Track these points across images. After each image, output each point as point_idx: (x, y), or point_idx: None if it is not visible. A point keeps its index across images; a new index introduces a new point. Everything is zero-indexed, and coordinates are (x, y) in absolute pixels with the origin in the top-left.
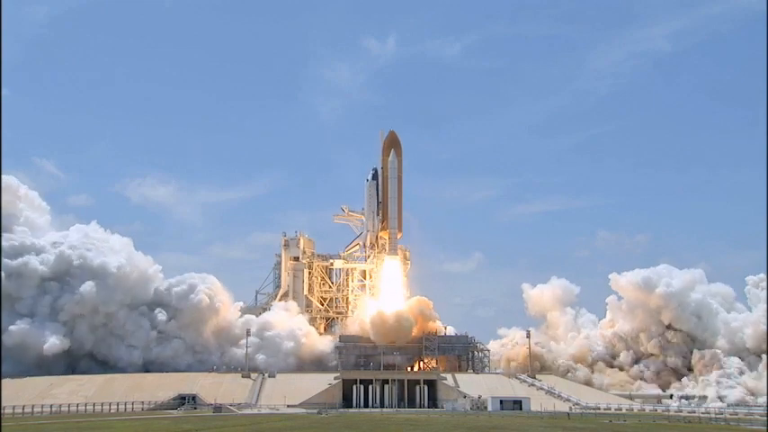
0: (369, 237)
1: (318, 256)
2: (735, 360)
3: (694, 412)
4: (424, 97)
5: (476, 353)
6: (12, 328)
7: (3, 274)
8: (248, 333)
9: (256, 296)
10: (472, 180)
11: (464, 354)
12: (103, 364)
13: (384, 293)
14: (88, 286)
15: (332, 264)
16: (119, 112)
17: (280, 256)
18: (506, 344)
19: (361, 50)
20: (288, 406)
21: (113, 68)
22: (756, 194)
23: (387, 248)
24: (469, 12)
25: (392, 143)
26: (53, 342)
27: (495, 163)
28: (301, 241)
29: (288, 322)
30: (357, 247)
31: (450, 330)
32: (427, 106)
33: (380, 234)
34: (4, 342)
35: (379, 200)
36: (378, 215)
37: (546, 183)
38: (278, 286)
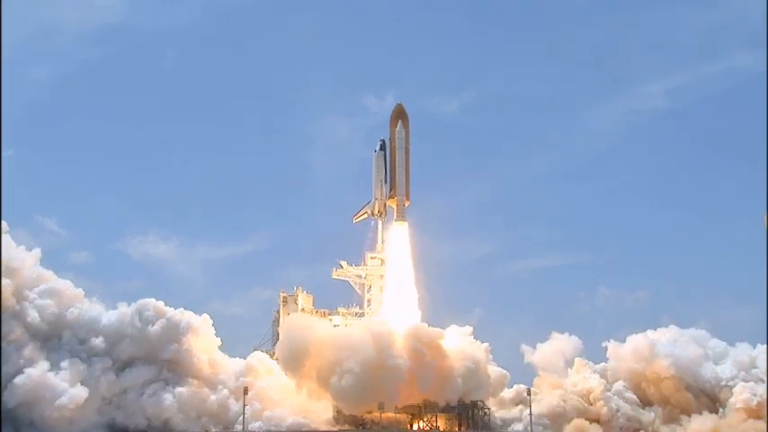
0: (377, 204)
1: (317, 311)
2: None
3: None
4: (422, 153)
5: (476, 411)
6: None
7: None
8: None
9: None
10: (470, 236)
11: (464, 412)
12: None
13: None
14: None
15: (331, 319)
16: (121, 169)
17: (278, 312)
18: (508, 402)
19: (359, 108)
20: None
21: (115, 128)
22: (756, 249)
23: (395, 215)
24: (467, 70)
25: (399, 115)
26: None
27: (493, 219)
28: (300, 297)
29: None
30: (366, 215)
31: None
32: (425, 162)
33: (388, 202)
34: None
35: (387, 169)
36: (386, 183)
37: (545, 239)
38: (276, 342)
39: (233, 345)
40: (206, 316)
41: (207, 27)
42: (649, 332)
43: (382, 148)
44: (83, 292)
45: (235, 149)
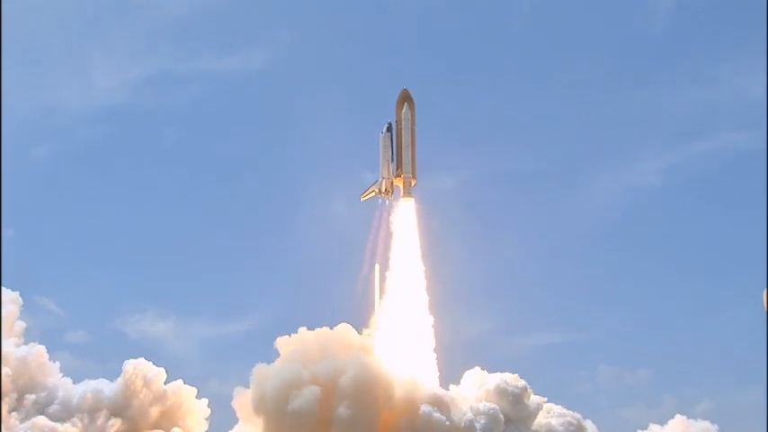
0: (384, 183)
1: None
2: None
3: None
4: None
5: None
6: None
7: None
8: None
9: None
10: (469, 313)
11: None
12: None
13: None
14: None
15: None
16: (120, 248)
17: None
18: None
19: (357, 183)
20: None
21: (113, 208)
22: (756, 329)
23: (401, 192)
24: (464, 149)
25: (405, 99)
26: None
27: (491, 296)
28: None
29: None
30: (373, 193)
31: None
32: (423, 238)
33: (395, 181)
34: None
35: (393, 149)
36: (393, 161)
37: (542, 315)
38: None
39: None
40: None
41: (207, 107)
42: (655, 427)
43: (389, 130)
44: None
45: (234, 225)
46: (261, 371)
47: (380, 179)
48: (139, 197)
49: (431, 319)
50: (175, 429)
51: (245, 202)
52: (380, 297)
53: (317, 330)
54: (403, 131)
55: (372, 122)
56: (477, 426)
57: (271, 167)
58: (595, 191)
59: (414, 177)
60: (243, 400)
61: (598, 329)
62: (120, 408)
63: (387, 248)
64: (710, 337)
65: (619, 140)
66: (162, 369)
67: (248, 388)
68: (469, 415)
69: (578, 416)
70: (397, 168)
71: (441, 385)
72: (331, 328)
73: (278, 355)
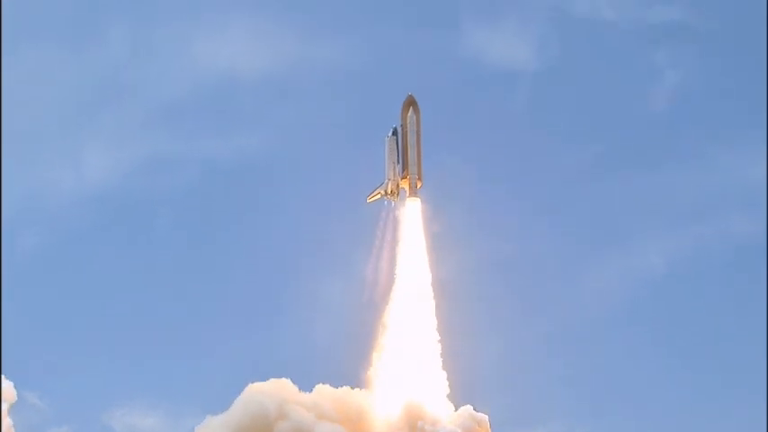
0: (389, 185)
1: None
2: None
3: None
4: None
5: None
6: None
7: None
8: None
9: None
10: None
11: None
12: None
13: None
14: None
15: None
16: (107, 339)
17: None
18: None
19: (352, 265)
20: None
21: (101, 295)
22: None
23: (407, 193)
24: (463, 231)
25: (410, 104)
26: None
27: (492, 387)
28: None
29: None
30: (379, 195)
31: None
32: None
33: (401, 183)
34: None
35: (399, 152)
36: (398, 163)
37: (546, 406)
38: None
39: None
40: None
41: (203, 191)
42: None
43: (394, 133)
44: None
45: (228, 314)
46: None
47: (386, 181)
48: (129, 285)
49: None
50: None
51: (240, 290)
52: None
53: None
54: (408, 133)
55: (369, 216)
56: None
57: (266, 255)
58: (597, 278)
59: (419, 179)
60: None
61: (600, 421)
62: None
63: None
64: (713, 428)
65: (620, 226)
66: None
67: None
68: None
69: None
70: (403, 170)
71: None
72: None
73: None
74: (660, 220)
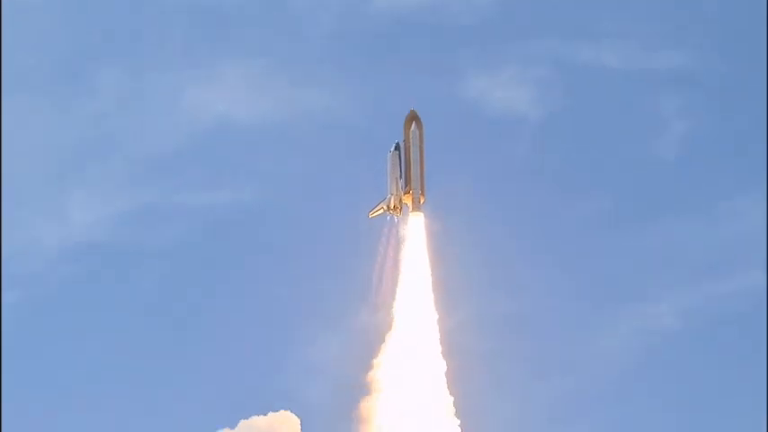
0: (392, 200)
1: None
2: None
3: None
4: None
5: None
6: None
7: None
8: None
9: None
10: None
11: None
12: None
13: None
14: None
15: None
16: (93, 394)
17: None
18: None
19: (348, 319)
20: None
21: (87, 353)
22: None
23: (410, 208)
24: (464, 288)
25: (413, 119)
26: None
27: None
28: None
29: None
30: (382, 210)
31: None
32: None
33: (404, 198)
34: None
35: (402, 167)
36: (401, 178)
37: None
38: None
39: None
40: None
41: (193, 244)
42: None
43: (397, 148)
44: None
45: (219, 373)
46: None
47: (388, 196)
48: (117, 342)
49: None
50: None
51: (232, 346)
52: None
53: None
54: (411, 148)
55: (366, 264)
56: None
57: (259, 310)
58: (608, 334)
59: (423, 194)
60: None
61: None
62: None
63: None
64: None
65: (631, 280)
66: None
67: None
68: None
69: None
70: (406, 185)
71: None
72: None
73: None
74: (672, 273)
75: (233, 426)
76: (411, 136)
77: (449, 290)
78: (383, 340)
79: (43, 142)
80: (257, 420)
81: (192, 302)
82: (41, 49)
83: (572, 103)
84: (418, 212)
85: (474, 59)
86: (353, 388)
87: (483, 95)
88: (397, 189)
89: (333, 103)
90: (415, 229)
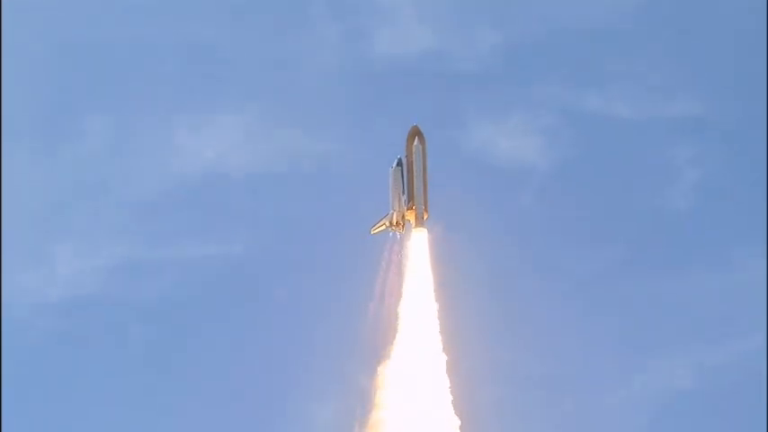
0: (395, 215)
1: None
2: None
3: None
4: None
5: None
6: None
7: None
8: None
9: None
10: None
11: None
12: None
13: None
14: None
15: None
16: None
17: None
18: None
19: (345, 385)
20: None
21: (69, 412)
22: None
23: (413, 224)
24: (465, 335)
25: (415, 134)
26: None
27: None
28: None
29: None
30: (384, 227)
31: None
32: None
33: (407, 214)
34: None
35: (404, 182)
36: (404, 194)
37: None
38: None
39: None
40: None
41: (182, 298)
42: None
43: (399, 164)
44: None
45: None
46: None
47: (391, 212)
48: (102, 398)
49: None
50: None
51: (224, 407)
52: None
53: None
54: (414, 163)
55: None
56: None
57: (251, 366)
58: (617, 389)
59: (426, 210)
60: None
61: None
62: None
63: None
64: None
65: (643, 335)
66: None
67: None
68: None
69: None
70: (409, 201)
71: None
72: None
73: None
74: (686, 329)
75: None
76: (414, 151)
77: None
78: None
79: (26, 189)
80: None
81: (184, 359)
82: (25, 93)
83: (581, 153)
84: (422, 228)
85: (478, 107)
86: None
87: (488, 144)
88: (399, 205)
89: (331, 151)
90: (418, 246)
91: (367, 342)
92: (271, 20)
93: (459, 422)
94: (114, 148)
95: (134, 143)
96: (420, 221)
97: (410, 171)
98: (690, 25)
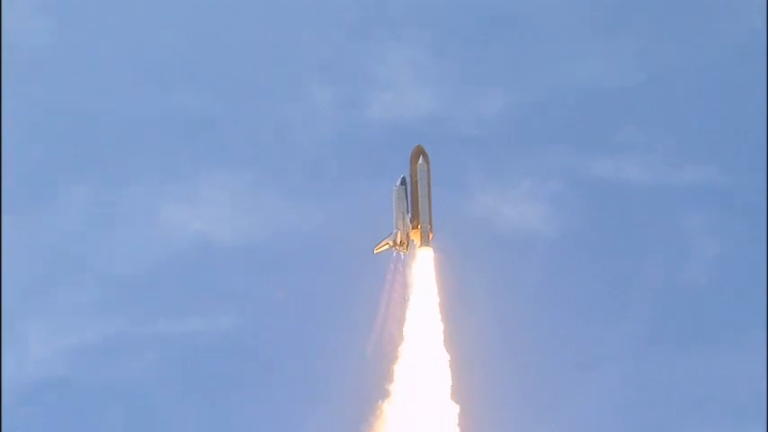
0: (399, 235)
1: None
2: None
3: None
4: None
5: None
6: None
7: None
8: None
9: None
10: None
11: None
12: None
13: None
14: None
15: None
16: None
17: None
18: None
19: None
20: None
21: None
22: None
23: (418, 243)
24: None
25: (419, 153)
26: None
27: None
28: None
29: None
30: (387, 246)
31: None
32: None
33: (411, 234)
34: None
35: (409, 202)
36: (408, 213)
37: None
38: None
39: None
40: None
41: (163, 379)
42: None
43: (403, 183)
44: None
45: None
46: None
47: (395, 231)
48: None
49: None
50: None
51: None
52: None
53: None
54: (419, 182)
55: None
56: None
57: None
58: None
59: (431, 230)
60: None
61: None
62: None
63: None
64: None
65: (655, 415)
66: None
67: None
68: None
69: None
70: (413, 220)
71: None
72: None
73: None
74: (705, 411)
75: None
76: (419, 170)
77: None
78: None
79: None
80: None
81: None
82: (4, 160)
83: (590, 221)
84: (428, 247)
85: (482, 173)
86: None
87: (493, 212)
88: (403, 224)
89: (325, 221)
90: (424, 265)
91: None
92: (262, 87)
93: None
94: (95, 219)
95: (117, 214)
96: (425, 241)
97: (415, 190)
98: (705, 88)
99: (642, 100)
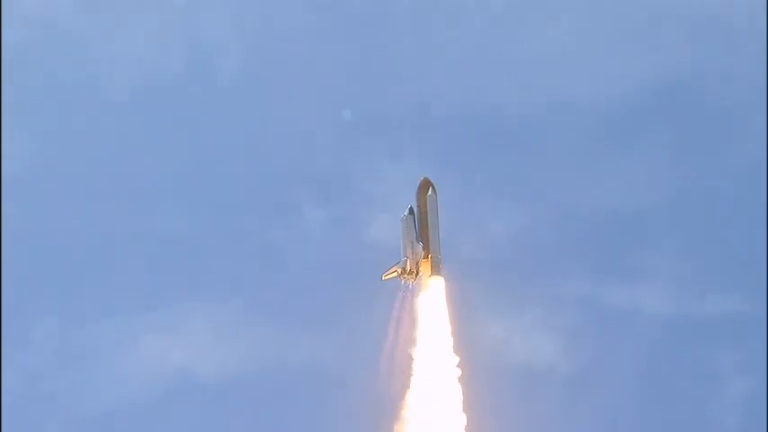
0: (408, 263)
1: None
2: None
3: None
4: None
5: None
6: None
7: None
8: None
9: None
10: None
11: None
12: None
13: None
14: None
15: None
16: None
17: None
18: None
19: None
20: None
21: None
22: None
23: (429, 272)
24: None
25: (427, 184)
26: None
27: None
28: None
29: None
30: (395, 274)
31: None
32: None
33: (421, 263)
34: None
35: (417, 231)
36: (418, 241)
37: None
38: None
39: None
40: None
41: None
42: None
43: (411, 212)
44: None
45: None
46: None
47: (404, 259)
48: None
49: None
50: None
51: None
52: None
53: None
54: (429, 213)
55: None
56: None
57: None
58: None
59: (441, 260)
60: None
61: None
62: None
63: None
64: None
65: None
66: None
67: None
68: None
69: None
70: (423, 248)
71: None
72: None
73: None
74: None
75: None
76: (428, 201)
77: None
78: None
79: None
80: None
81: None
82: None
83: (604, 355)
84: (438, 276)
85: (490, 302)
86: None
87: (502, 343)
88: (412, 253)
89: (316, 351)
90: (434, 295)
91: None
92: (249, 208)
93: None
94: (66, 353)
95: (89, 347)
96: (436, 270)
97: (424, 221)
98: (728, 209)
99: (658, 222)
